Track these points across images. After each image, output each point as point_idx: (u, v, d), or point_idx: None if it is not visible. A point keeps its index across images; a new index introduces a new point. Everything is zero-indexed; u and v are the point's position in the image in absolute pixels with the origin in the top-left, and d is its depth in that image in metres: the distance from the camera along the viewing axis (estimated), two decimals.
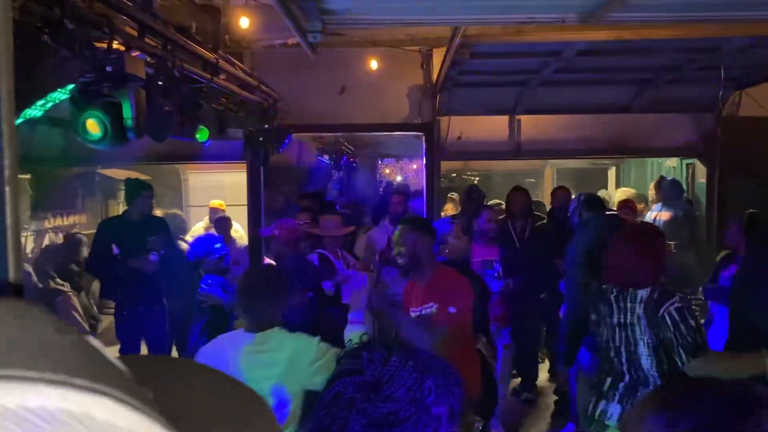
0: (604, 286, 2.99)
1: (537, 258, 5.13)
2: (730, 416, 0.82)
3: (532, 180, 11.47)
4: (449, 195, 9.37)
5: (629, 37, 4.57)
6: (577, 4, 3.51)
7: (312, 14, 3.53)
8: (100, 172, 8.67)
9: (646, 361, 2.79)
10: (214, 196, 8.28)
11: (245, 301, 2.63)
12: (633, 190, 8.13)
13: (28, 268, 5.98)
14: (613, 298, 2.92)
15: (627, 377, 2.86)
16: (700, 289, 5.41)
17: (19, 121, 2.40)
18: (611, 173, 10.84)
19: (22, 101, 2.33)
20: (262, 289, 2.63)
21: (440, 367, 1.20)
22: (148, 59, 3.14)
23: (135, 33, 2.89)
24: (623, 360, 2.87)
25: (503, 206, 5.96)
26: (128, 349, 5.01)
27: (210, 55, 3.68)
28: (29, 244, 7.47)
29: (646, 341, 2.78)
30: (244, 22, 4.63)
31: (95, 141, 2.78)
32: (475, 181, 11.41)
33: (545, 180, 11.05)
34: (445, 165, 9.51)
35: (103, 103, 2.71)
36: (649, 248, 2.84)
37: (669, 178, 7.40)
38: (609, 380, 2.94)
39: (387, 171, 12.84)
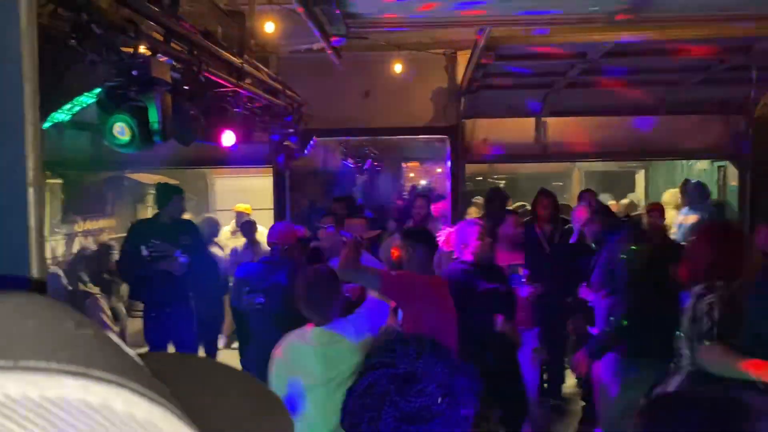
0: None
1: (565, 263, 5.07)
2: (718, 428, 0.83)
3: (560, 183, 11.35)
4: (474, 199, 9.32)
5: (656, 37, 4.50)
6: (602, 3, 3.47)
7: (336, 19, 3.55)
8: (129, 176, 8.81)
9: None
10: (240, 200, 8.35)
11: (312, 298, 2.81)
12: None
13: (59, 271, 6.08)
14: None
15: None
16: None
17: (47, 125, 2.45)
18: (639, 176, 10.68)
19: (50, 105, 2.37)
20: (324, 285, 2.84)
21: (467, 370, 1.22)
22: (175, 64, 3.19)
23: (161, 38, 2.92)
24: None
25: (527, 208, 5.91)
26: (155, 350, 5.08)
27: (235, 60, 3.72)
28: (60, 248, 7.60)
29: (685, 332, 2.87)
30: (269, 27, 4.66)
31: (122, 145, 2.82)
32: (501, 185, 11.32)
33: (573, 183, 10.93)
34: (471, 168, 9.46)
35: (129, 107, 2.74)
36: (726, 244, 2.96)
37: (693, 182, 7.28)
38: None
39: (411, 175, 12.81)
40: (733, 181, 7.22)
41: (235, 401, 0.51)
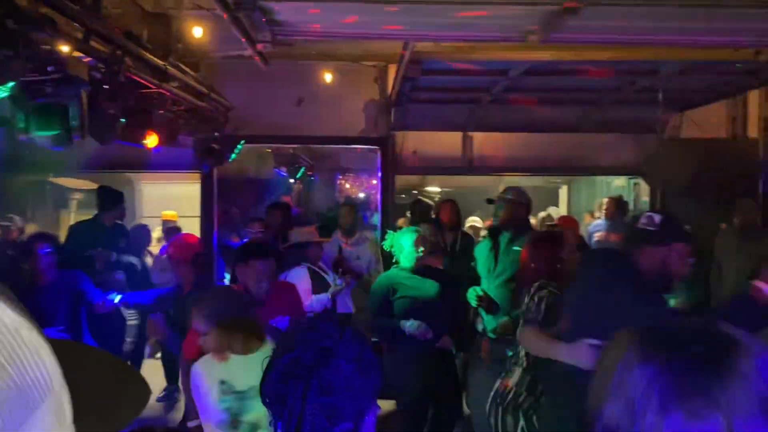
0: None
1: (464, 267, 5.27)
2: (712, 358, 0.81)
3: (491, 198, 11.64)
4: (407, 213, 9.47)
5: (570, 58, 4.77)
6: (518, 25, 3.68)
7: (261, 25, 3.62)
8: (52, 180, 8.55)
9: None
10: (169, 207, 8.23)
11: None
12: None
13: None
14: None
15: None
16: None
17: None
18: (563, 191, 11.13)
19: None
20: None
21: (370, 346, 1.38)
22: (98, 65, 3.19)
23: (80, 36, 2.92)
24: None
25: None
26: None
27: (158, 62, 3.73)
28: None
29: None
30: (197, 32, 4.68)
31: (38, 140, 2.80)
32: (436, 199, 11.55)
33: None
34: (405, 181, 9.65)
35: (45, 103, 2.74)
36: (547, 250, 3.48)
37: (613, 197, 7.69)
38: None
39: (347, 185, 12.91)
40: (646, 196, 7.64)
41: (95, 377, 0.59)
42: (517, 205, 4.51)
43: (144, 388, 0.64)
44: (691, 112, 7.07)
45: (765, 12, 3.50)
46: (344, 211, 6.13)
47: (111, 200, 5.34)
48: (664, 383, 0.80)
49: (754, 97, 7.14)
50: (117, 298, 4.25)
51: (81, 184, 8.63)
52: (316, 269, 4.89)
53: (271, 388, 1.32)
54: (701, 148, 7.05)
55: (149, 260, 6.78)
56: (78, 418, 0.49)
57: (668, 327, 0.91)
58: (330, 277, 4.86)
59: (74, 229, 5.62)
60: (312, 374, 1.28)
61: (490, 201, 4.96)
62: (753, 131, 7.24)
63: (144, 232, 7.10)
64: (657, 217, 2.57)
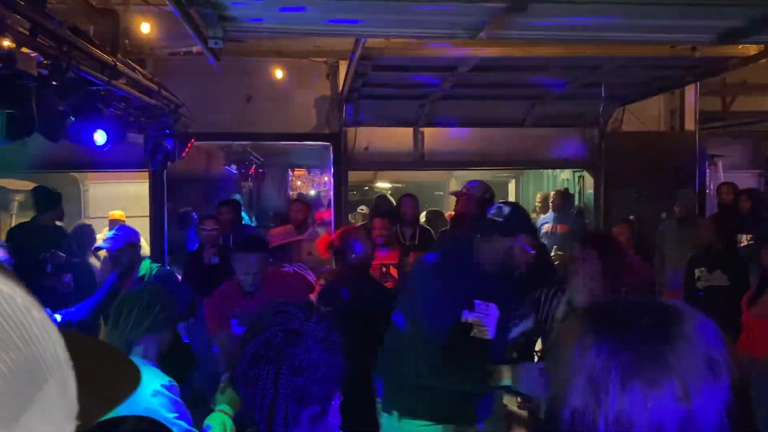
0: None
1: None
2: (661, 328, 0.85)
3: (440, 193, 11.82)
4: (359, 209, 9.51)
5: (517, 54, 4.90)
6: (466, 21, 3.76)
7: (212, 21, 3.59)
8: None
9: None
10: (117, 207, 8.03)
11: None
12: None
13: None
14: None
15: None
16: None
17: None
18: (511, 185, 11.37)
19: None
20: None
21: (336, 329, 1.44)
22: (44, 61, 3.12)
23: (26, 32, 2.86)
24: None
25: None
26: None
27: (107, 58, 3.67)
28: None
29: None
30: (145, 28, 4.62)
31: None
32: (389, 194, 11.65)
33: (450, 191, 11.42)
34: (357, 177, 9.69)
35: None
36: None
37: (560, 190, 7.92)
38: None
39: (299, 183, 12.86)
40: (590, 188, 7.90)
41: (89, 355, 0.63)
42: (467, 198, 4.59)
43: (135, 371, 0.68)
44: (632, 106, 7.33)
45: (700, 10, 3.68)
46: (295, 207, 6.13)
47: (49, 201, 5.17)
48: (620, 358, 0.83)
49: (690, 91, 7.48)
50: (58, 318, 4.13)
51: (23, 185, 8.34)
52: (297, 269, 4.83)
53: (243, 371, 1.35)
54: (642, 140, 7.34)
55: (94, 261, 6.61)
56: (78, 395, 0.53)
57: (614, 305, 0.96)
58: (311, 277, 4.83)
59: (13, 233, 5.44)
60: (283, 355, 1.32)
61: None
62: (690, 124, 7.59)
63: (87, 232, 6.87)
64: (506, 209, 2.68)
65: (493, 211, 2.70)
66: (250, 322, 1.43)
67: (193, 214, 7.70)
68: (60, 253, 4.92)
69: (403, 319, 2.73)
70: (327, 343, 1.37)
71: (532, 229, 2.77)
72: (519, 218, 2.68)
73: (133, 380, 0.66)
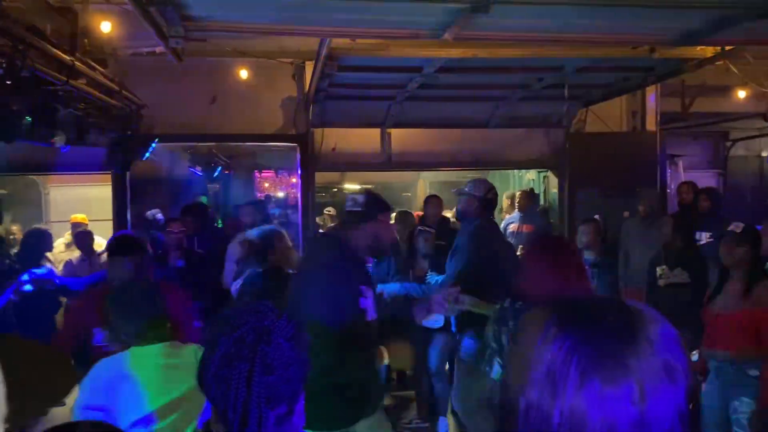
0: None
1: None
2: (624, 328, 0.84)
3: (408, 194, 11.84)
4: (326, 210, 9.47)
5: (482, 55, 4.93)
6: (429, 22, 3.77)
7: (173, 20, 3.54)
8: None
9: None
10: (79, 211, 7.85)
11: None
12: None
13: None
14: None
15: None
16: None
17: None
18: None
19: None
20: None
21: (304, 328, 1.44)
22: None
23: None
24: None
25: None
26: None
27: (65, 57, 3.59)
28: None
29: None
30: (105, 27, 4.52)
31: None
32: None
33: (418, 192, 11.46)
34: (324, 178, 9.64)
35: None
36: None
37: (525, 190, 8.00)
38: None
39: (266, 184, 12.75)
40: (554, 188, 8.00)
41: (25, 358, 0.61)
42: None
43: (72, 372, 0.66)
44: (595, 107, 7.45)
45: (658, 12, 3.76)
46: (246, 210, 6.09)
47: None
48: (582, 353, 0.83)
49: (651, 93, 7.64)
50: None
51: None
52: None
53: (213, 373, 1.32)
54: (605, 141, 7.47)
55: (54, 267, 6.43)
56: (12, 397, 0.51)
57: (581, 302, 0.96)
58: None
59: None
60: (256, 353, 1.31)
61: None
62: (651, 125, 7.74)
63: (44, 237, 6.64)
64: (360, 198, 2.90)
65: (349, 203, 2.92)
66: (217, 323, 1.41)
67: (159, 216, 7.58)
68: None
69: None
70: (296, 340, 1.37)
71: (387, 207, 3.01)
72: (374, 202, 2.90)
73: (70, 379, 0.64)
